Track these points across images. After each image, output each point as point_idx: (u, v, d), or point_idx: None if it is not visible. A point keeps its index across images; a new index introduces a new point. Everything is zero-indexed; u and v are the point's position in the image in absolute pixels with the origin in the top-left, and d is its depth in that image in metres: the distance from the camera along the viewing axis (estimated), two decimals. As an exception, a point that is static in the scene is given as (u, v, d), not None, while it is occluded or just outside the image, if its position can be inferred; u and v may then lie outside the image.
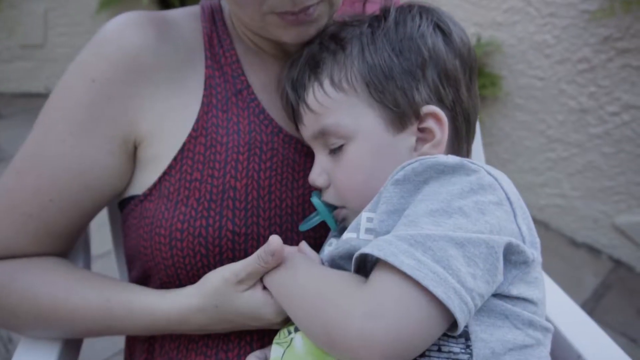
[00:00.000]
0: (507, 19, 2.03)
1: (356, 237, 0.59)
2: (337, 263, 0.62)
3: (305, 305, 0.54)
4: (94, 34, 0.73)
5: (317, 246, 0.73)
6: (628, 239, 1.99)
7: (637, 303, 1.89)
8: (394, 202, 0.56)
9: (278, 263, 0.61)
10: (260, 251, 0.61)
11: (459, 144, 0.67)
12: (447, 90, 0.64)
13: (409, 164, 0.57)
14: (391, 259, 0.48)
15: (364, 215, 0.60)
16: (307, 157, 0.74)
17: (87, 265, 0.86)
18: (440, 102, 0.64)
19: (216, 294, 0.64)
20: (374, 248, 0.50)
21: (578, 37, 1.87)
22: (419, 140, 0.64)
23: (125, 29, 0.71)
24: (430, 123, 0.63)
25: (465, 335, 0.51)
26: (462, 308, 0.47)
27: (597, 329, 0.76)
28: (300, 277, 0.58)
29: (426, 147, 0.64)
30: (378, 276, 0.50)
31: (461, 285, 0.47)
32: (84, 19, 2.80)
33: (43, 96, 2.95)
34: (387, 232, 0.55)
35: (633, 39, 1.78)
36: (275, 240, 0.59)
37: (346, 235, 0.61)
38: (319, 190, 0.71)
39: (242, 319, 0.64)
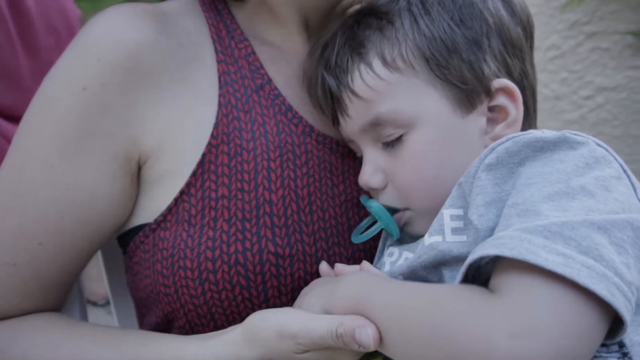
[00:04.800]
0: (471, 13, 2.01)
1: (442, 241, 0.50)
2: (419, 275, 0.52)
3: (416, 333, 0.43)
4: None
5: (368, 260, 0.62)
6: (614, 221, 1.99)
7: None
8: (490, 191, 0.47)
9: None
10: (345, 330, 0.46)
11: (529, 122, 0.59)
12: (514, 61, 0.56)
13: (500, 144, 0.48)
14: (530, 257, 0.39)
15: (447, 213, 0.51)
16: (344, 158, 0.64)
17: (84, 316, 0.71)
18: (509, 76, 0.56)
19: (270, 350, 0.51)
20: (501, 247, 0.41)
21: (546, 24, 1.86)
22: (489, 120, 0.56)
23: (119, 23, 0.59)
24: (502, 100, 0.55)
25: (619, 342, 0.42)
26: (627, 307, 0.39)
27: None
28: (397, 298, 0.47)
29: (499, 127, 0.55)
30: (512, 282, 0.40)
31: (620, 279, 0.39)
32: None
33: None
34: (490, 228, 0.46)
35: (600, 22, 1.79)
36: (374, 330, 0.46)
37: (429, 239, 0.51)
38: (366, 194, 0.61)
39: None
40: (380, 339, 0.46)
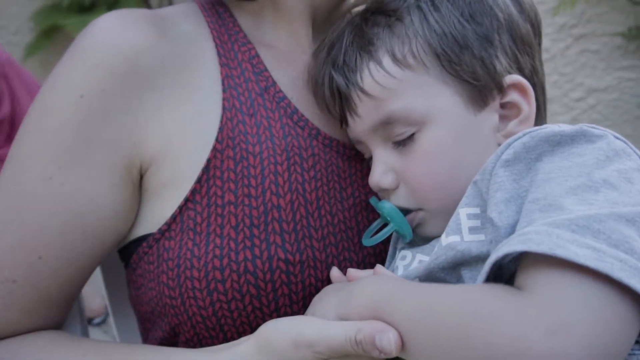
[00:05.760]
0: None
1: (460, 240, 0.49)
2: (436, 277, 0.51)
3: (443, 336, 0.41)
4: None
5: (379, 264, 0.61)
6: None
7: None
8: (508, 188, 0.46)
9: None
10: (364, 336, 0.45)
11: (539, 119, 0.58)
12: (524, 57, 0.56)
13: (517, 140, 0.48)
14: (560, 252, 0.38)
15: (463, 212, 0.49)
16: (352, 161, 0.63)
17: (85, 332, 0.69)
18: (520, 72, 0.56)
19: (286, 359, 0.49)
20: (528, 243, 0.39)
21: (534, 28, 1.88)
22: (501, 117, 0.55)
23: (116, 28, 0.57)
24: (514, 96, 0.55)
25: (649, 339, 0.41)
26: None
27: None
28: (419, 301, 0.45)
29: (511, 124, 0.55)
30: (542, 278, 0.39)
31: None
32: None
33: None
34: (511, 225, 0.45)
35: (588, 25, 1.81)
36: (395, 335, 0.44)
37: (446, 240, 0.49)
38: (376, 196, 0.60)
39: None
40: (402, 344, 0.44)
